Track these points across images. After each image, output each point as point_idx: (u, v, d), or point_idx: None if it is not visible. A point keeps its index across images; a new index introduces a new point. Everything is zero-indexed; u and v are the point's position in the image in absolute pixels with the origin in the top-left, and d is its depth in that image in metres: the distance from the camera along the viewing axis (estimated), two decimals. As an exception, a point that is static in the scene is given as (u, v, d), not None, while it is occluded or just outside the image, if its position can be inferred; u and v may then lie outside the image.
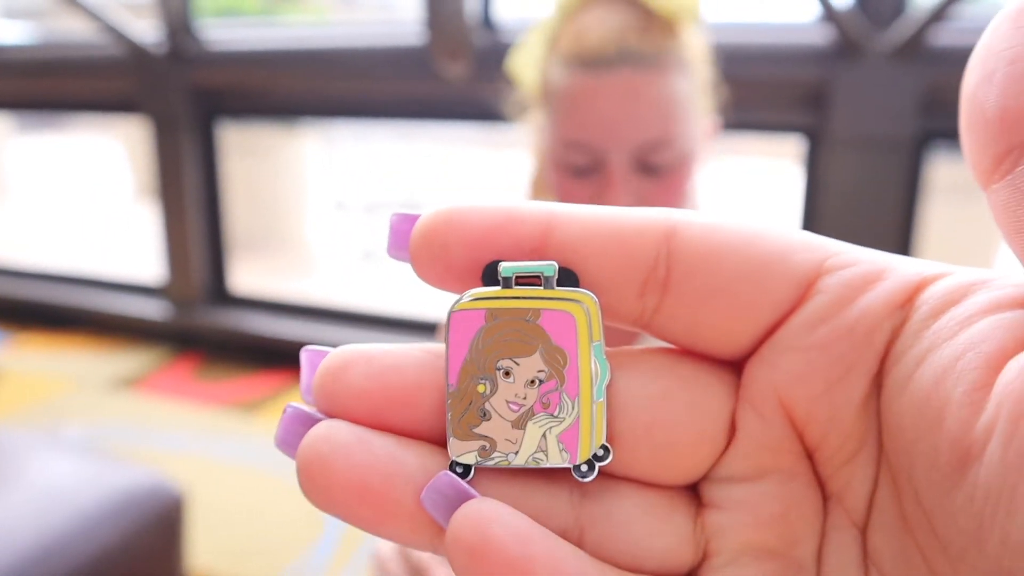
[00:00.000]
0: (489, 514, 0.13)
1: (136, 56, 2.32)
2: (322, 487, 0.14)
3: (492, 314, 0.14)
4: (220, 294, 2.57)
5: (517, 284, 0.14)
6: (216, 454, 1.90)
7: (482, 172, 5.68)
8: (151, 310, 2.56)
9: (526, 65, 0.69)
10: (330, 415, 0.14)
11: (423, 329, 2.28)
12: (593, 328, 0.14)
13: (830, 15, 1.55)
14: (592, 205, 0.14)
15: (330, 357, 0.15)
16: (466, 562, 0.13)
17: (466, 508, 0.13)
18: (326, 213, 4.64)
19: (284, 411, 0.15)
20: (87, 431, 2.02)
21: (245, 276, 2.74)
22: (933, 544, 0.13)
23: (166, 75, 2.32)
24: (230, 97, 2.39)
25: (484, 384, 0.14)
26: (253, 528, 1.61)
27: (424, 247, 0.14)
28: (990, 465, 0.12)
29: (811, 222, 1.76)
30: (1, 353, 2.54)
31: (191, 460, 1.87)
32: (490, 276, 0.14)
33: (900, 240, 1.67)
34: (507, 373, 0.14)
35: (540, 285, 0.14)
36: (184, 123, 2.35)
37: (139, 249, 3.74)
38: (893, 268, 0.14)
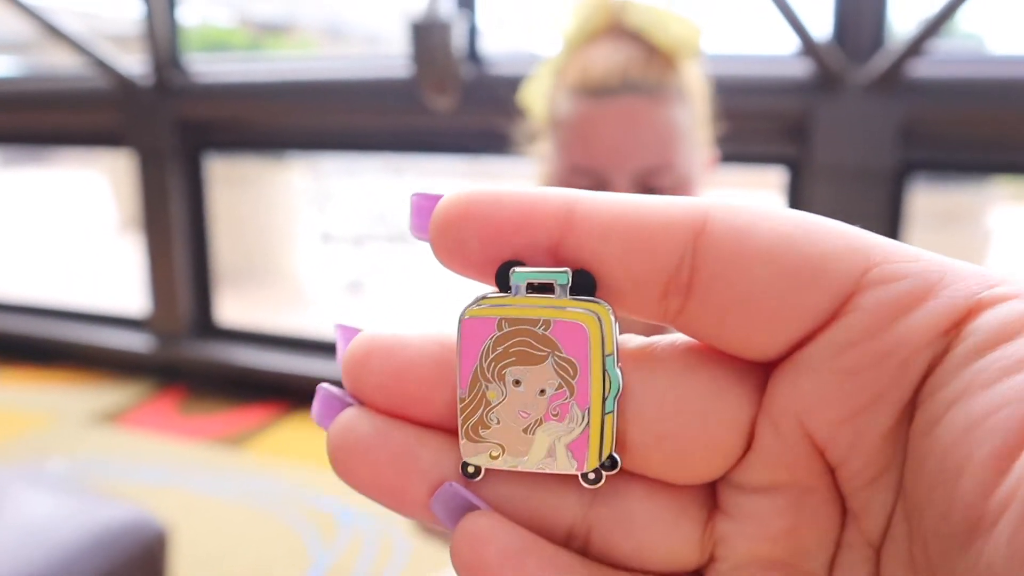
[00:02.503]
0: (486, 532, 0.13)
1: (123, 89, 2.33)
2: (346, 475, 0.14)
3: (503, 322, 0.14)
4: (205, 326, 2.55)
5: (530, 290, 0.13)
6: (201, 489, 1.88)
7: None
8: (135, 343, 2.54)
9: (536, 97, 0.72)
10: (356, 398, 0.15)
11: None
12: (606, 340, 0.13)
13: (808, 48, 1.58)
14: (616, 194, 0.13)
15: (353, 345, 0.15)
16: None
17: (466, 524, 0.14)
18: (312, 245, 4.64)
19: (316, 391, 0.15)
20: (69, 466, 1.99)
21: (230, 308, 2.72)
22: None
23: (153, 108, 2.33)
24: (217, 130, 2.40)
25: (495, 392, 0.14)
26: (238, 563, 1.58)
27: (441, 238, 0.14)
28: (998, 544, 0.11)
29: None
30: (-18, 388, 2.51)
31: (175, 495, 1.85)
32: (503, 279, 0.14)
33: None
34: (517, 382, 0.14)
35: (554, 292, 0.13)
36: (170, 155, 2.36)
37: (123, 282, 3.72)
38: (946, 284, 0.12)
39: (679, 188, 0.65)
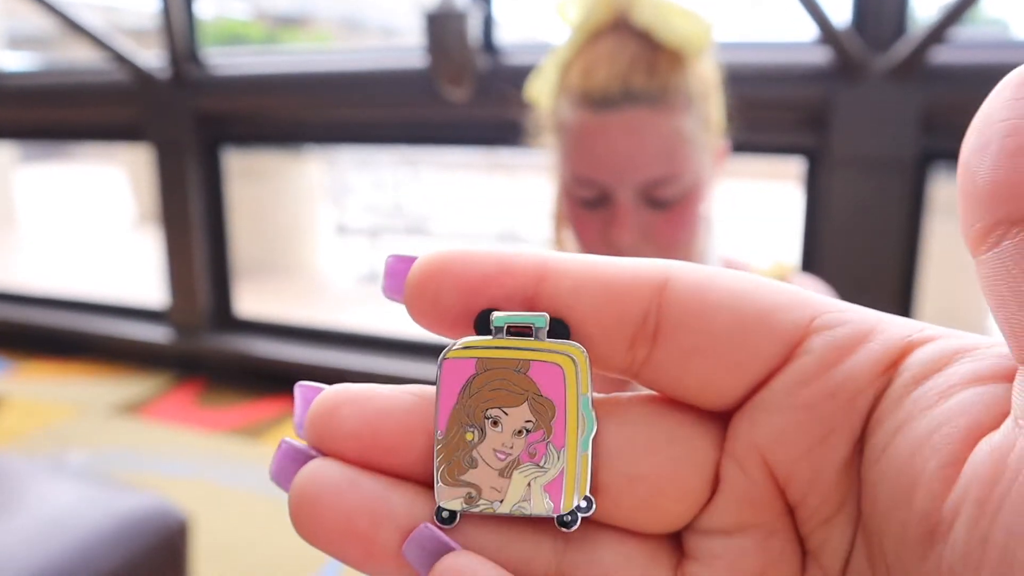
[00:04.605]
0: (469, 569, 0.13)
1: (141, 83, 2.34)
2: (312, 525, 0.14)
3: (483, 363, 0.14)
4: (224, 319, 2.57)
5: (509, 334, 0.14)
6: (220, 479, 1.90)
7: (484, 196, 5.70)
8: (156, 335, 2.57)
9: (541, 92, 0.70)
10: (322, 453, 0.15)
11: (425, 351, 2.28)
12: (581, 381, 0.14)
13: (828, 36, 1.56)
14: (585, 255, 0.14)
15: (321, 397, 0.15)
16: None
17: (444, 563, 0.14)
18: (329, 238, 4.66)
19: (279, 446, 0.15)
20: (91, 457, 2.01)
21: (249, 301, 2.74)
22: None
23: (171, 101, 2.34)
24: (234, 123, 2.41)
25: (472, 432, 0.14)
26: (257, 554, 1.60)
27: (418, 293, 0.14)
28: (955, 546, 0.12)
29: (813, 243, 1.76)
30: (5, 380, 2.54)
31: (195, 486, 1.87)
32: (482, 324, 0.14)
33: (902, 260, 1.67)
34: (495, 422, 0.14)
35: (531, 335, 0.14)
36: (188, 149, 2.37)
37: (142, 275, 3.75)
38: (881, 330, 0.14)
39: (687, 196, 0.64)
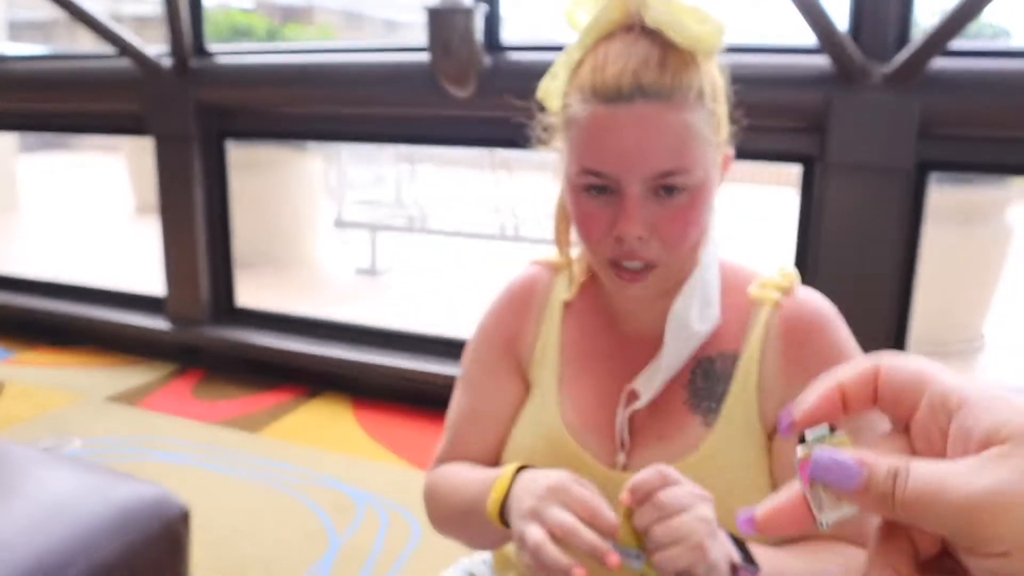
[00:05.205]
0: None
1: (145, 74, 2.35)
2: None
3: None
4: (224, 310, 2.58)
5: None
6: (218, 469, 1.90)
7: (484, 192, 5.70)
8: (155, 325, 2.57)
9: (551, 92, 0.71)
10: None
11: (421, 346, 2.29)
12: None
13: (828, 42, 1.57)
14: (858, 366, 0.31)
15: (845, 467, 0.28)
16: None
17: None
18: (328, 231, 4.66)
19: (816, 457, 0.28)
20: (89, 445, 2.02)
21: (250, 293, 2.74)
22: None
23: (174, 92, 2.34)
24: (237, 117, 2.41)
25: None
26: (254, 543, 1.61)
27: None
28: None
29: (809, 249, 1.76)
30: (4, 367, 2.55)
31: (193, 475, 1.87)
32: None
33: (900, 266, 1.67)
34: None
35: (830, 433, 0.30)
36: (192, 141, 2.37)
37: (142, 265, 3.75)
38: (955, 401, 0.27)
39: (695, 193, 0.65)
